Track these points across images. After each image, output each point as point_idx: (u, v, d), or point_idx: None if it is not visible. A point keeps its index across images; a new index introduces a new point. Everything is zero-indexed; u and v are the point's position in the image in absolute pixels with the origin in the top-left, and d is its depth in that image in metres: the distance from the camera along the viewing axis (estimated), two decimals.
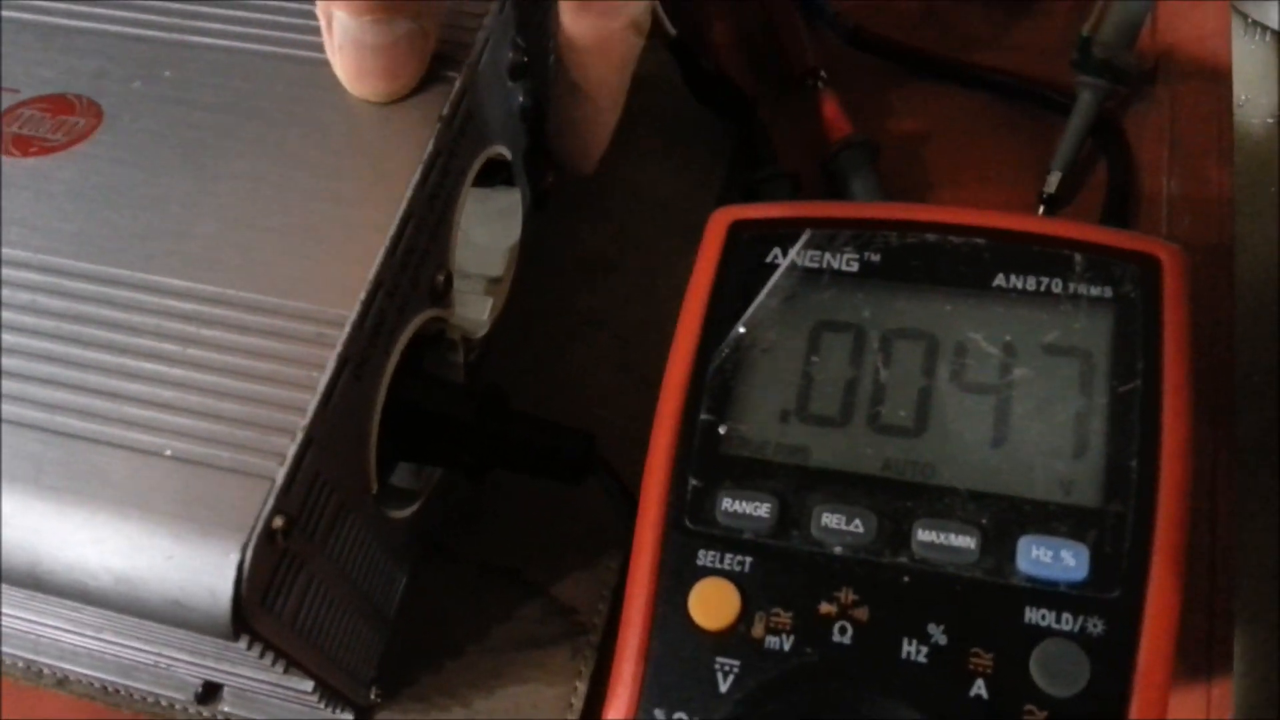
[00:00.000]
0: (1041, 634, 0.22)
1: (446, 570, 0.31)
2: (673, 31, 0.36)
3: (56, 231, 0.26)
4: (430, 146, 0.27)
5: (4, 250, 0.25)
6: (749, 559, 0.24)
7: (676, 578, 0.24)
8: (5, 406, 0.23)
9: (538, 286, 0.35)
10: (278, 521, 0.22)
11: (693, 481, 0.25)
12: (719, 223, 0.28)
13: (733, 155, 0.38)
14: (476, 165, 0.30)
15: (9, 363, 0.24)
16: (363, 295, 0.24)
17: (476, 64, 0.28)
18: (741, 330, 0.27)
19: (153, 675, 0.28)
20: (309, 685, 0.25)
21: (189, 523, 0.22)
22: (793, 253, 0.27)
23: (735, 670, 0.23)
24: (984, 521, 0.23)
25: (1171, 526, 0.22)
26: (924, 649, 0.22)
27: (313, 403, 0.23)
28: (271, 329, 0.24)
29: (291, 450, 0.22)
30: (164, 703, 0.28)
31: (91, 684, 0.28)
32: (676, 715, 0.23)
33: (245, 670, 0.26)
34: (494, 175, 0.33)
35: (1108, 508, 0.23)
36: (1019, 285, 0.26)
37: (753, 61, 0.40)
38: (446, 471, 0.30)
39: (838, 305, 0.26)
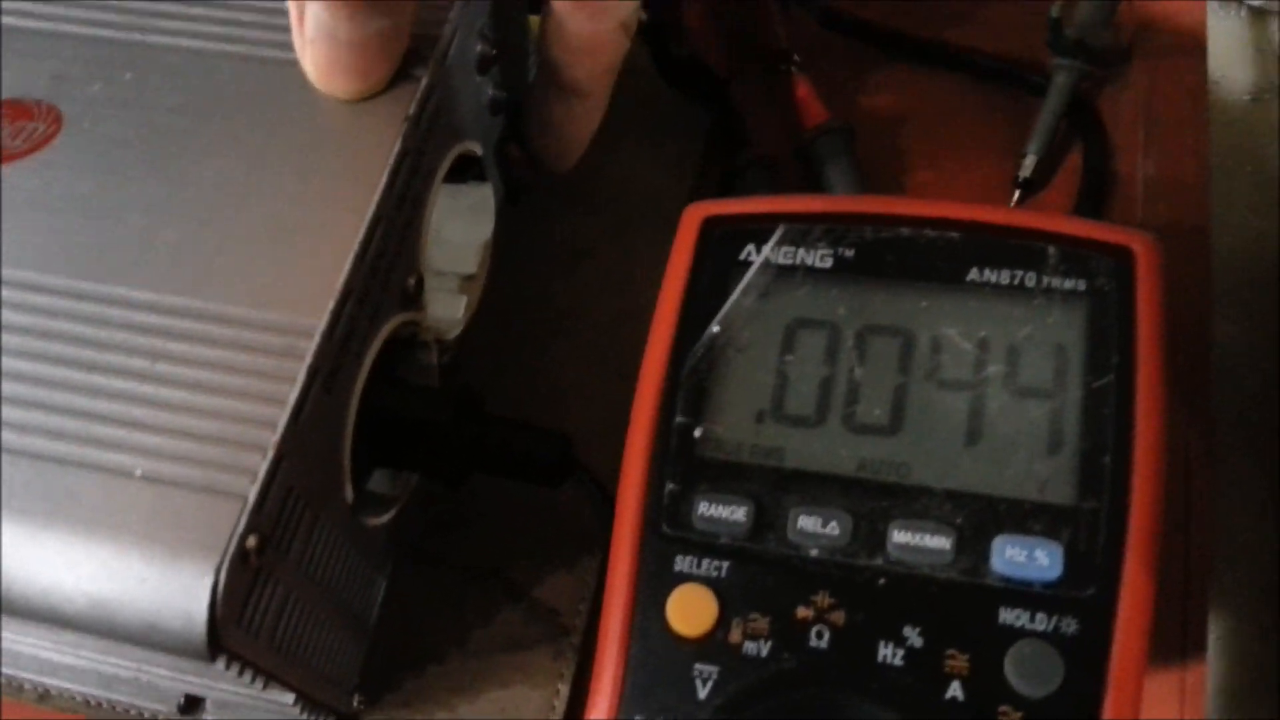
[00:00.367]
0: (1016, 634, 0.22)
1: (427, 574, 0.31)
2: (643, 17, 0.36)
3: (20, 243, 0.26)
4: (397, 147, 0.26)
5: None
6: (726, 564, 0.24)
7: (654, 584, 0.24)
8: None
9: (511, 279, 0.35)
10: (251, 541, 0.22)
11: (669, 486, 0.25)
12: (692, 219, 0.28)
13: (707, 140, 0.38)
14: (446, 163, 0.29)
15: None
16: (331, 305, 0.24)
17: (443, 60, 0.28)
18: (716, 329, 0.26)
19: (134, 688, 0.27)
20: (290, 697, 0.25)
21: (161, 545, 0.22)
22: (766, 249, 0.27)
23: (714, 677, 0.23)
24: (959, 521, 0.23)
25: (1145, 524, 0.22)
26: (900, 652, 0.22)
27: (283, 418, 0.23)
28: (239, 341, 0.24)
29: (263, 467, 0.22)
30: (146, 715, 0.28)
31: (73, 698, 0.28)
32: None
33: (226, 684, 0.26)
34: (465, 170, 0.33)
35: (1082, 505, 0.23)
36: (993, 279, 0.26)
37: (727, 45, 0.39)
38: (424, 479, 0.30)
39: (812, 303, 0.26)
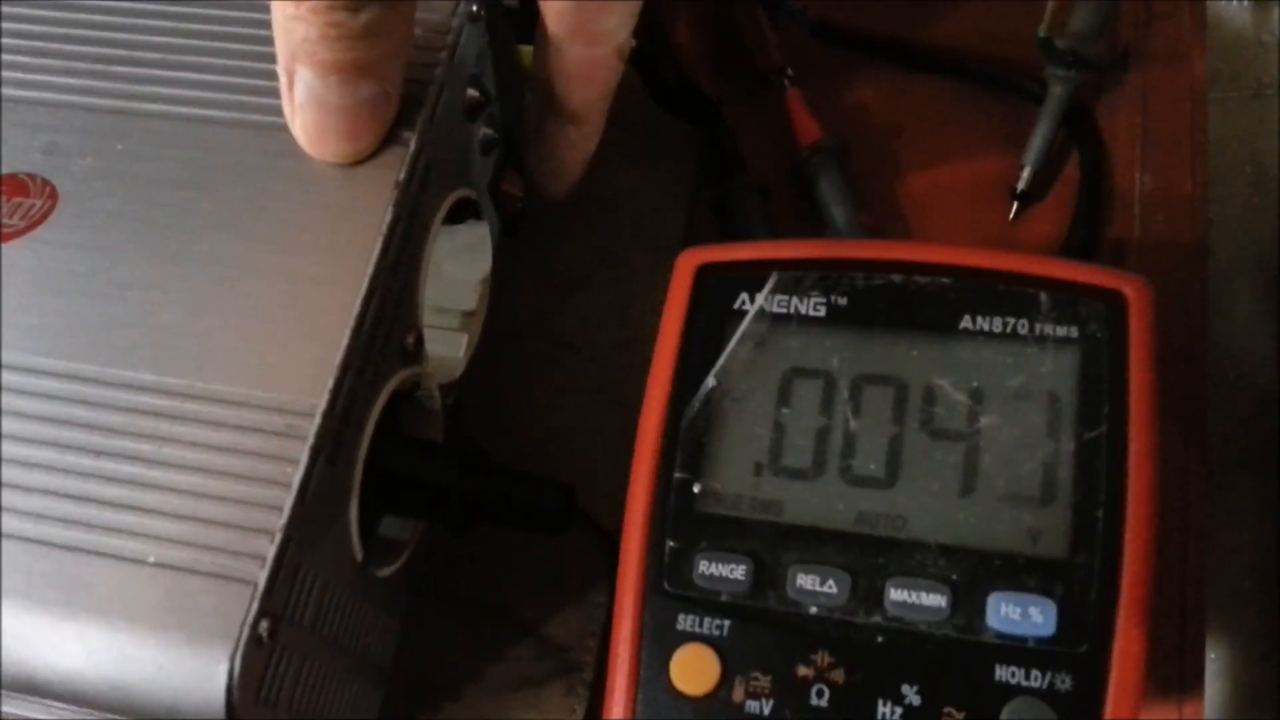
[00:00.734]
0: (1011, 691, 0.23)
1: (437, 610, 0.31)
2: (633, 42, 0.35)
3: (22, 326, 0.26)
4: (389, 216, 0.26)
5: None
6: (727, 622, 0.24)
7: (658, 643, 0.25)
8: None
9: (508, 308, 0.35)
10: (264, 626, 0.22)
11: (670, 543, 0.25)
12: (686, 266, 0.28)
13: (700, 160, 0.38)
14: (440, 216, 0.29)
15: None
16: (330, 383, 0.24)
17: (431, 119, 0.28)
18: (712, 382, 0.27)
19: None
20: None
21: (177, 633, 0.22)
22: (760, 298, 0.27)
23: None
24: (954, 577, 0.24)
25: (1137, 579, 0.23)
26: (899, 710, 0.23)
27: (289, 500, 0.23)
28: (241, 422, 0.24)
29: (271, 552, 0.23)
30: None
31: None
32: None
33: None
34: (462, 209, 0.33)
35: (1074, 559, 0.23)
36: (985, 327, 0.26)
37: (717, 61, 0.39)
38: (429, 524, 0.30)
39: (807, 352, 0.27)
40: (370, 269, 0.26)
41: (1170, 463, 0.29)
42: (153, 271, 0.26)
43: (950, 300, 0.26)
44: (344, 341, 0.25)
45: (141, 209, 0.27)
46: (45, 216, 0.27)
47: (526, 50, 0.32)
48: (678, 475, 0.26)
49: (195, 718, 0.22)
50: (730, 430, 0.26)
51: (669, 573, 0.25)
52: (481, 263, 0.34)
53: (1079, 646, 0.23)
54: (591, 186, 0.37)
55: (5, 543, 0.23)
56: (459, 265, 0.34)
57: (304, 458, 0.24)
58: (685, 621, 0.25)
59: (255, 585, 0.22)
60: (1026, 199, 0.35)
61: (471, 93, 0.30)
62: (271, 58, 0.27)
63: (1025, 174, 0.35)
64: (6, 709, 0.27)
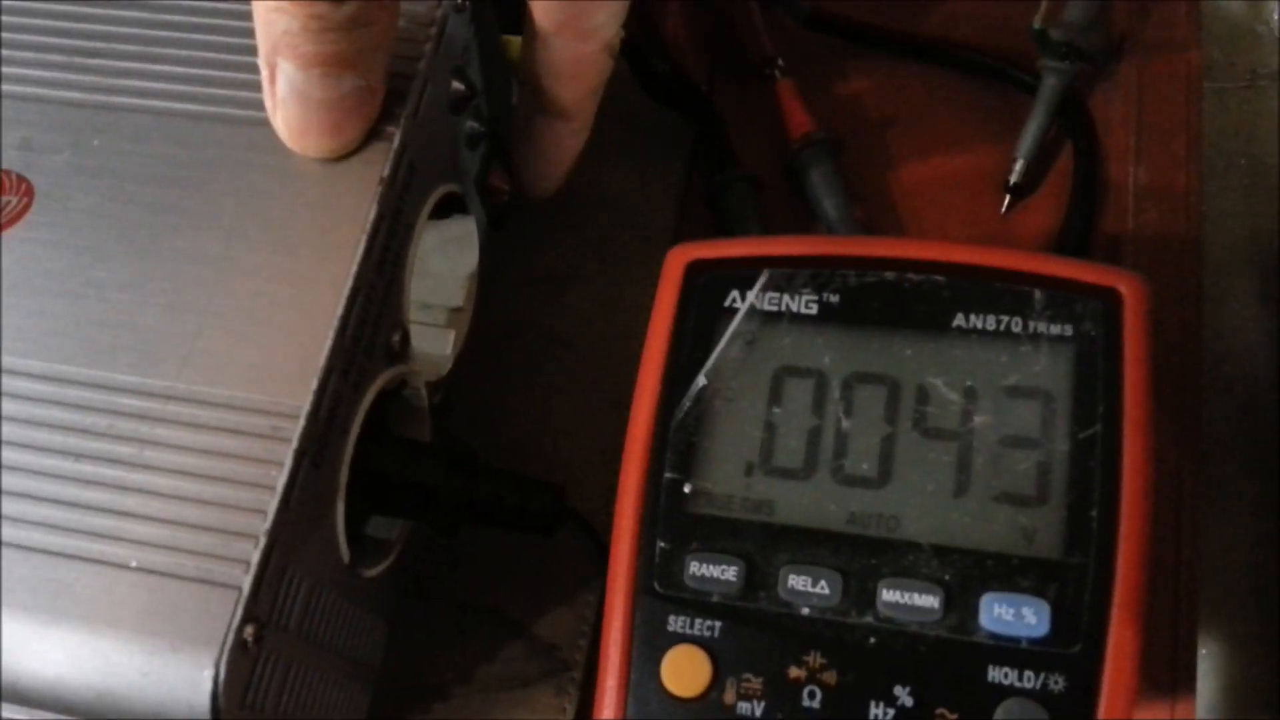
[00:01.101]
0: (1004, 692, 0.22)
1: (427, 610, 0.31)
2: (622, 34, 0.35)
3: (3, 327, 0.25)
4: (373, 213, 0.26)
5: None
6: (718, 623, 0.24)
7: (649, 645, 0.24)
8: None
9: (497, 304, 0.35)
10: (249, 631, 0.22)
11: (660, 544, 0.25)
12: (675, 262, 0.28)
13: (692, 153, 0.37)
14: (425, 212, 0.29)
15: None
16: (314, 384, 0.24)
17: (415, 112, 0.27)
18: (703, 381, 0.26)
19: None
20: None
21: (161, 639, 0.22)
22: (751, 296, 0.27)
23: None
24: (947, 578, 0.23)
25: (1130, 580, 0.23)
26: (891, 711, 0.23)
27: (273, 503, 0.23)
28: (225, 425, 0.24)
29: (255, 556, 0.22)
30: None
31: None
32: None
33: None
34: (448, 204, 0.32)
35: (1068, 560, 0.23)
36: (979, 325, 0.26)
37: (709, 53, 0.39)
38: (418, 525, 0.30)
39: (798, 351, 0.26)
40: (354, 266, 0.25)
41: (1164, 460, 0.29)
42: (132, 270, 0.26)
43: (943, 298, 0.26)
44: (328, 341, 0.24)
45: (120, 206, 0.27)
46: (22, 214, 0.27)
47: (514, 41, 0.32)
48: (668, 475, 0.26)
49: None
50: (721, 430, 0.26)
51: (660, 574, 0.25)
52: (468, 258, 0.34)
53: (1072, 647, 0.22)
54: (582, 179, 0.36)
55: None
56: (445, 260, 0.33)
57: (288, 460, 0.23)
58: (676, 623, 0.24)
59: (240, 590, 0.22)
60: (1020, 191, 0.35)
61: (457, 85, 0.30)
62: (252, 50, 0.26)
63: (1018, 166, 0.35)
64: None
